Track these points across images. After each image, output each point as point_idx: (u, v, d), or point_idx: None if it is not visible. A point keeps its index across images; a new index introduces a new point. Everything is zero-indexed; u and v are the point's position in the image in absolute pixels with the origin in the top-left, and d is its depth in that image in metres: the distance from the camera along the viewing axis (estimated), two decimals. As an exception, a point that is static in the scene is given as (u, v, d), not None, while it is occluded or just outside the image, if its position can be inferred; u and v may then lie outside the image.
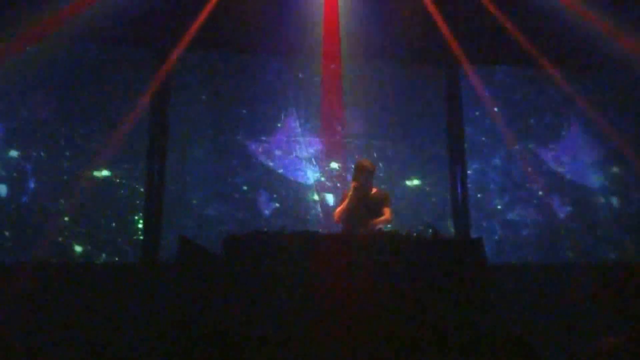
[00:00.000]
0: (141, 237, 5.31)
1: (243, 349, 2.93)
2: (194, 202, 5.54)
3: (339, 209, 4.40)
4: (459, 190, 5.75)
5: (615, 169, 6.18)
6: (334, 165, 5.80)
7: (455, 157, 5.86)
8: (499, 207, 5.95)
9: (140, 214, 5.36)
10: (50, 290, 4.65)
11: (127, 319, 4.46)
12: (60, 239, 5.19)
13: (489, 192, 5.96)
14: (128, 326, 4.33)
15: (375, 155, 5.78)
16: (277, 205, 5.65)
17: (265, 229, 3.99)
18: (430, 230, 3.73)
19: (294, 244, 3.44)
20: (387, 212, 4.28)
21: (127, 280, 4.88)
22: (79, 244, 5.22)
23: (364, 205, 4.28)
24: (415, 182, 5.84)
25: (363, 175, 4.31)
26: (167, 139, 5.51)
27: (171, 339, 3.29)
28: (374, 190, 4.47)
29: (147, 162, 5.42)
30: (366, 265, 3.38)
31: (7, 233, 5.13)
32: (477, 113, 6.10)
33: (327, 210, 5.57)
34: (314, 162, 5.81)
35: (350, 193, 4.31)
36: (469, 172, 5.90)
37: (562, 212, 5.98)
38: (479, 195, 5.93)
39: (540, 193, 5.97)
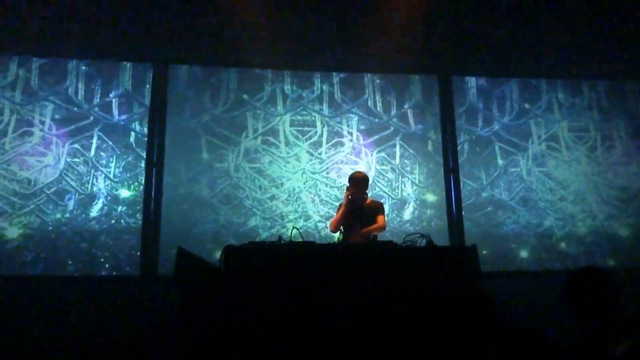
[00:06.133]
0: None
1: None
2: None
3: (334, 219, 4.50)
4: (453, 199, 5.81)
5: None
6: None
7: (449, 166, 5.93)
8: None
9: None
10: (49, 303, 4.69)
11: (126, 332, 4.49)
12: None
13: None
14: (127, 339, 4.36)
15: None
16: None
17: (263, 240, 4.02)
18: (425, 240, 3.78)
19: (291, 255, 3.50)
20: (380, 220, 4.37)
21: (127, 294, 4.92)
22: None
23: (358, 215, 4.36)
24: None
25: (356, 186, 4.40)
26: (164, 150, 5.59)
27: (171, 352, 3.31)
28: (368, 200, 4.56)
29: (145, 174, 5.50)
30: (363, 275, 3.42)
31: None
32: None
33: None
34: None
35: (344, 204, 4.40)
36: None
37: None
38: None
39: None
